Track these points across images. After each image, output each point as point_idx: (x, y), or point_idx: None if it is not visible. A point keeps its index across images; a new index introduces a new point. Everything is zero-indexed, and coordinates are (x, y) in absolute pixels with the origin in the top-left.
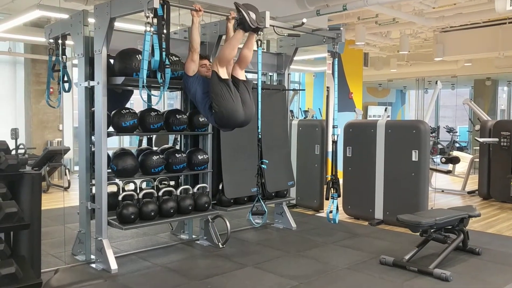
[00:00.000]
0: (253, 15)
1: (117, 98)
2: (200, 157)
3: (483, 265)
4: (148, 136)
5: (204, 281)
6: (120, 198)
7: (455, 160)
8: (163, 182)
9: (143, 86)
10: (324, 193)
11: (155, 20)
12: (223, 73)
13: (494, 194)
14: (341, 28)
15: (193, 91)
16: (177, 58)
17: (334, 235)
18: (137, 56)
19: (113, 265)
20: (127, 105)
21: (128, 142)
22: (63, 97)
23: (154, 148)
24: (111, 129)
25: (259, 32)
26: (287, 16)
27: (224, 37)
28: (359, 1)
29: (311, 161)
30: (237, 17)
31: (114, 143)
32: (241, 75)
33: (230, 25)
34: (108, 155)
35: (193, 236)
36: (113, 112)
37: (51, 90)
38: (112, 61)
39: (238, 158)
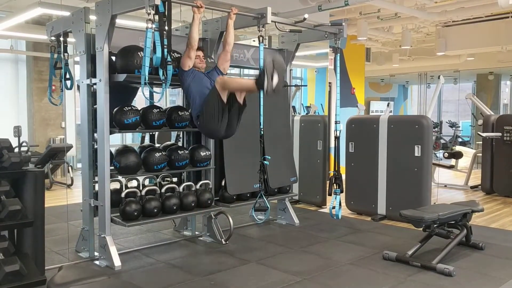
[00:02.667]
0: (275, 79)
1: (123, 95)
2: (202, 153)
3: (486, 260)
4: (151, 133)
5: (208, 277)
6: (123, 195)
7: (458, 155)
8: (165, 178)
9: (145, 83)
10: (327, 188)
11: (156, 17)
12: (224, 97)
13: (497, 189)
14: (343, 24)
15: (186, 84)
16: (179, 55)
17: (337, 230)
18: (138, 53)
19: (117, 262)
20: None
21: (130, 139)
22: (65, 95)
23: (157, 145)
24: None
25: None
26: (289, 11)
27: (225, 33)
28: None
29: (313, 157)
30: (258, 76)
31: (117, 140)
32: (241, 97)
33: (231, 21)
34: (110, 152)
35: (196, 233)
36: (115, 110)
37: (53, 87)
38: (113, 58)
39: (240, 155)
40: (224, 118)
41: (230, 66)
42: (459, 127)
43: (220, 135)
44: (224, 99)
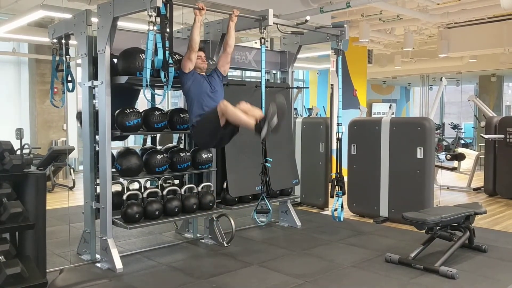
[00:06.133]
0: (274, 122)
1: (125, 97)
2: (204, 155)
3: (489, 263)
4: (152, 135)
5: (209, 280)
6: (124, 197)
7: (460, 157)
8: (167, 181)
9: (146, 85)
10: (329, 191)
11: (158, 19)
12: (222, 121)
13: (500, 191)
14: (345, 25)
15: (186, 87)
16: (181, 57)
17: (339, 233)
18: (140, 55)
19: (118, 264)
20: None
21: (132, 141)
22: (67, 97)
23: (158, 147)
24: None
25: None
26: (291, 13)
27: (226, 35)
28: None
29: (315, 159)
30: (259, 121)
31: (118, 143)
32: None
33: (232, 23)
34: (112, 154)
35: (198, 235)
36: (117, 112)
37: (55, 90)
38: (115, 60)
39: (242, 157)
40: (216, 137)
41: (232, 68)
42: (461, 129)
43: (208, 148)
44: (222, 122)
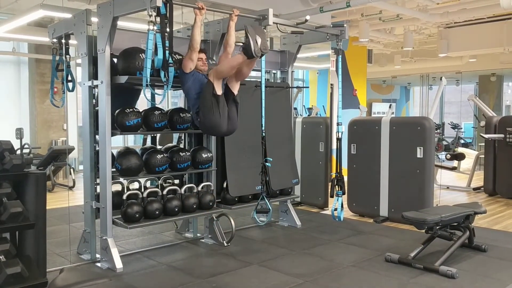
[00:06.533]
0: (259, 40)
1: (126, 97)
2: (204, 155)
3: (489, 262)
4: (152, 135)
5: (209, 279)
6: (124, 197)
7: (460, 157)
8: (167, 180)
9: (146, 85)
10: (329, 190)
11: (158, 19)
12: (218, 88)
13: (500, 191)
14: (345, 25)
15: (186, 86)
16: (181, 57)
17: (339, 232)
18: (140, 55)
19: (118, 264)
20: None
21: (132, 141)
22: (67, 97)
23: (158, 147)
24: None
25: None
26: (291, 13)
27: (226, 35)
28: None
29: (315, 159)
30: (242, 43)
31: (119, 142)
32: (235, 88)
33: (232, 23)
34: (112, 154)
35: (198, 235)
36: (117, 111)
37: (55, 89)
38: (115, 60)
39: (242, 156)
40: (223, 111)
41: None
42: (461, 128)
43: (222, 129)
44: (219, 90)
